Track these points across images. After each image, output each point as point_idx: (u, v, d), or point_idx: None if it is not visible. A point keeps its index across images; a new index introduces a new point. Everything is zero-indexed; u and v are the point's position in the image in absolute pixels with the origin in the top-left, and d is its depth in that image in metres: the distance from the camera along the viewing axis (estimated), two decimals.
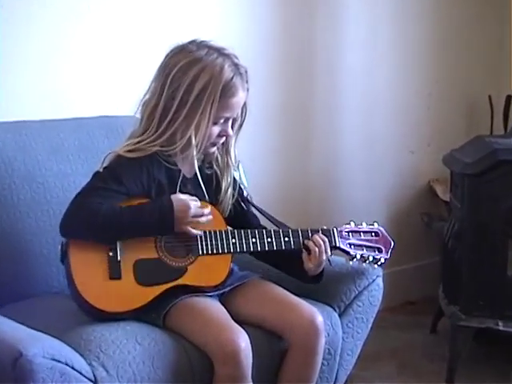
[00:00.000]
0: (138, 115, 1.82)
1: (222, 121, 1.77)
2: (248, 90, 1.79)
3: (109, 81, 2.32)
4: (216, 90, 1.72)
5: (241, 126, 1.84)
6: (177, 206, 1.71)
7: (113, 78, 2.33)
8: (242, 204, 1.89)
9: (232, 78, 1.74)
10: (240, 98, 1.77)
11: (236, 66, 1.76)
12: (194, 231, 1.74)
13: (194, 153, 1.76)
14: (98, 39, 2.29)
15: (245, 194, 1.92)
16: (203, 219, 1.74)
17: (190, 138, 1.74)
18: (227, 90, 1.74)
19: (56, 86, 2.23)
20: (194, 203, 1.74)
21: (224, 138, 1.81)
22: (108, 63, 2.32)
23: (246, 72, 1.78)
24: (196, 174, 1.83)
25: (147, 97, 1.80)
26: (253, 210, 1.94)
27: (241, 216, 1.89)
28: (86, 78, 2.28)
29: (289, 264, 1.86)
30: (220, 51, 1.76)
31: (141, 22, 2.37)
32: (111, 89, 2.32)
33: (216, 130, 1.78)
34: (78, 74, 2.27)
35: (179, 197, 1.74)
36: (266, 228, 1.87)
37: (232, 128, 1.82)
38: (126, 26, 2.34)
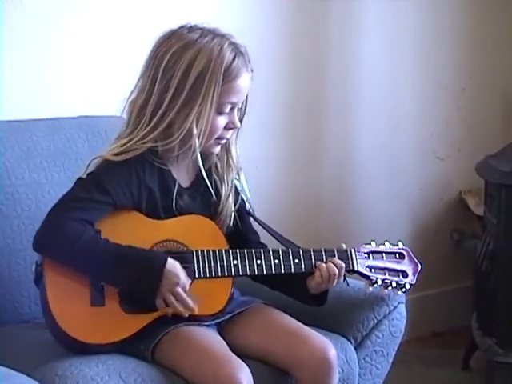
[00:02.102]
0: (125, 116, 1.86)
1: (227, 109, 1.81)
2: (252, 71, 1.83)
3: (89, 75, 2.35)
4: (217, 74, 1.76)
5: (241, 119, 1.88)
6: (169, 266, 1.73)
7: (94, 72, 2.35)
8: (238, 219, 1.92)
9: (234, 58, 1.79)
10: (245, 79, 1.81)
11: (235, 45, 1.81)
12: (169, 310, 1.73)
13: (197, 144, 1.79)
14: (77, 27, 2.32)
15: (247, 206, 1.95)
16: (188, 301, 1.73)
17: (190, 127, 1.78)
18: (230, 72, 1.78)
19: (28, 82, 2.25)
20: (185, 276, 1.75)
21: (230, 132, 1.85)
22: (88, 55, 2.34)
23: (247, 52, 1.83)
24: (193, 183, 1.87)
25: (134, 95, 1.83)
26: (253, 225, 1.97)
27: (238, 231, 1.92)
28: (63, 73, 2.31)
29: (286, 280, 1.87)
30: (215, 32, 1.82)
31: (125, 10, 2.39)
32: (92, 84, 2.35)
33: (222, 121, 1.82)
34: (54, 68, 2.29)
35: (173, 262, 1.75)
36: (266, 246, 1.90)
37: None
38: (109, 13, 2.36)
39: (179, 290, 1.73)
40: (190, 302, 1.74)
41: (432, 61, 3.05)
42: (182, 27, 1.82)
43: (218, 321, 1.86)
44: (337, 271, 1.84)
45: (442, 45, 3.06)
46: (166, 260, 1.73)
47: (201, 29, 1.81)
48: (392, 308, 2.01)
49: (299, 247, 1.89)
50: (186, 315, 1.75)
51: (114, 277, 1.73)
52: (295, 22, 2.73)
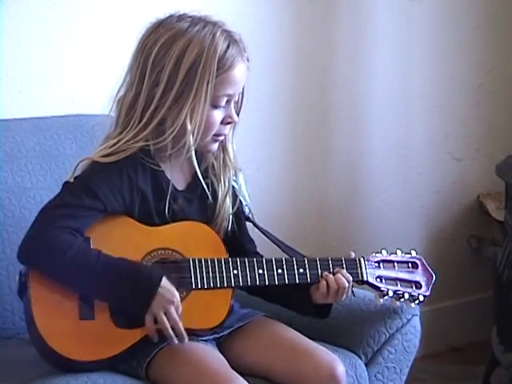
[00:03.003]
0: (113, 115, 1.86)
1: (223, 103, 1.82)
2: (248, 60, 1.84)
3: (78, 71, 2.35)
4: (210, 64, 1.77)
5: (238, 113, 1.88)
6: (164, 284, 1.73)
7: (83, 68, 2.36)
8: (235, 225, 1.92)
9: (228, 46, 1.80)
10: (241, 69, 1.82)
11: (228, 32, 1.82)
12: (153, 334, 1.73)
13: (191, 141, 1.79)
14: (64, 21, 2.32)
15: (245, 210, 1.96)
16: (180, 325, 1.73)
17: (183, 123, 1.78)
18: (224, 62, 1.79)
19: (11, 79, 2.26)
20: (177, 302, 1.74)
21: (228, 128, 1.86)
22: (77, 50, 2.35)
23: (242, 40, 1.84)
24: (189, 186, 1.88)
25: (122, 92, 1.84)
26: (250, 233, 1.98)
27: (233, 238, 1.92)
28: (49, 69, 2.31)
29: (286, 289, 1.88)
30: (206, 19, 1.83)
31: (114, 2, 2.39)
32: (81, 82, 2.35)
33: (218, 115, 1.82)
34: (39, 64, 2.30)
35: (166, 288, 1.75)
36: (262, 257, 1.90)
37: None
38: (97, 6, 2.36)
39: (173, 309, 1.73)
40: (181, 327, 1.74)
41: (447, 55, 3.05)
42: (171, 16, 1.83)
43: (217, 336, 1.86)
44: (347, 284, 1.85)
45: (458, 37, 3.06)
46: (161, 277, 1.73)
47: (190, 17, 1.83)
48: (405, 321, 2.01)
49: (304, 256, 1.89)
50: (175, 342, 1.74)
51: (104, 292, 1.74)
52: (299, 13, 2.73)
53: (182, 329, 1.74)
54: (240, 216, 1.95)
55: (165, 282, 1.73)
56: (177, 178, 1.87)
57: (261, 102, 2.55)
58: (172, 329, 1.73)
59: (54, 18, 2.31)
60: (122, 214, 1.80)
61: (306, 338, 1.87)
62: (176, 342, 1.74)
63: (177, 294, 1.74)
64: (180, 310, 1.74)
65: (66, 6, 2.32)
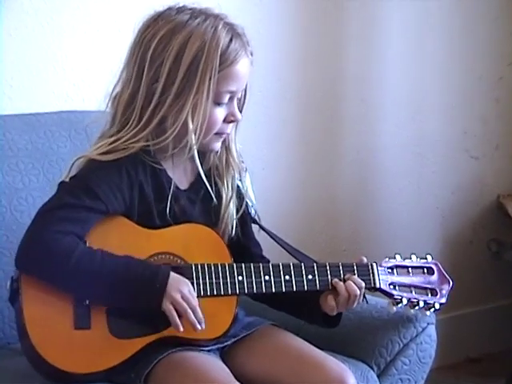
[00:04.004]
0: (109, 112, 1.86)
1: (226, 99, 1.83)
2: (252, 54, 1.85)
3: (72, 65, 2.36)
4: (213, 58, 1.78)
5: (241, 110, 1.88)
6: (173, 277, 1.74)
7: (78, 62, 2.36)
8: (239, 228, 1.92)
9: (230, 40, 1.81)
10: (244, 64, 1.83)
11: (231, 25, 1.83)
12: (177, 321, 1.73)
13: (193, 140, 1.80)
14: (57, 12, 2.32)
15: (251, 212, 1.96)
16: (192, 317, 1.74)
17: (185, 122, 1.79)
18: (227, 56, 1.80)
19: (1, 73, 2.26)
20: (191, 289, 1.76)
21: (231, 126, 1.86)
22: (71, 42, 2.35)
23: (245, 33, 1.85)
24: (192, 185, 1.88)
25: (119, 88, 1.84)
26: (256, 236, 1.98)
27: (238, 242, 1.93)
28: (42, 62, 2.32)
29: (293, 297, 1.88)
30: (207, 12, 1.83)
31: None
32: (76, 76, 2.36)
33: (221, 113, 1.83)
34: (31, 57, 2.30)
35: (177, 276, 1.76)
36: (269, 261, 1.91)
37: None
38: None
39: (187, 291, 1.74)
40: (199, 311, 1.74)
41: (464, 47, 3.06)
42: (170, 9, 1.84)
43: (221, 345, 1.86)
44: (358, 291, 1.85)
45: (475, 29, 3.06)
46: (169, 270, 1.74)
47: (191, 9, 1.84)
48: (420, 330, 2.01)
49: (313, 261, 1.89)
50: (199, 327, 1.74)
51: (113, 294, 1.73)
52: (306, 4, 2.73)
53: (200, 314, 1.74)
54: (246, 218, 1.95)
55: (173, 274, 1.74)
56: (179, 177, 1.88)
57: (266, 98, 2.56)
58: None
59: (48, 8, 2.31)
60: (121, 215, 1.80)
61: (315, 348, 1.87)
62: (199, 327, 1.74)
63: (189, 283, 1.75)
64: (194, 292, 1.75)
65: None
